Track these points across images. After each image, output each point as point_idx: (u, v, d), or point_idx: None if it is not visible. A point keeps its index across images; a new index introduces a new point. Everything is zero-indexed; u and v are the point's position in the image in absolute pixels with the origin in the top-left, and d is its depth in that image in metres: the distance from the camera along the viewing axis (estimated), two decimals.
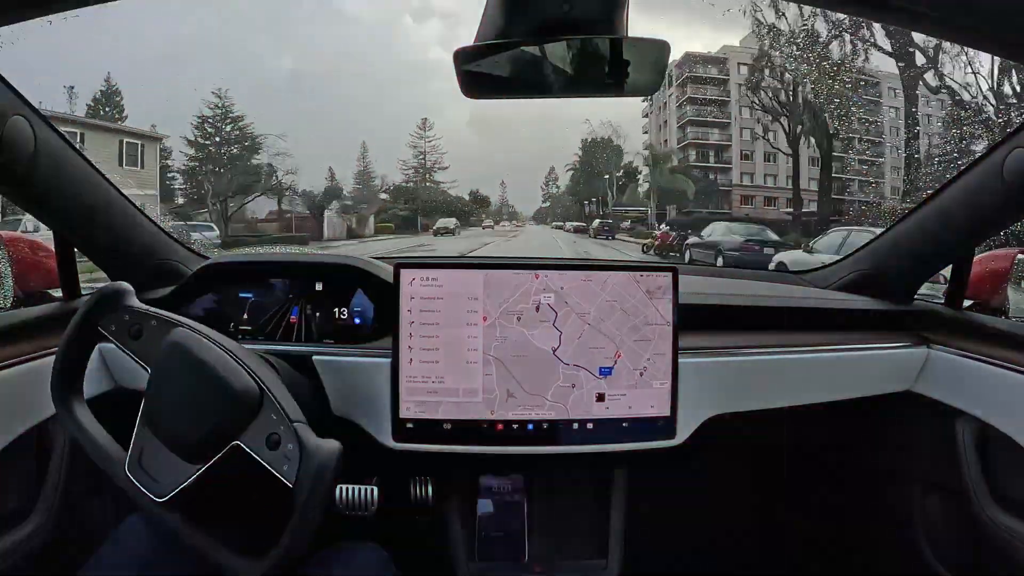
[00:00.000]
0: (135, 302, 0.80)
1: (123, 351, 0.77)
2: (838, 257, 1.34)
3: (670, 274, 0.96)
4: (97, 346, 0.80)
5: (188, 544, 0.75)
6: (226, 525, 0.78)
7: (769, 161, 17.48)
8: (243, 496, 0.87)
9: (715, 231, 11.26)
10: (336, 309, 1.05)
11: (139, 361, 0.76)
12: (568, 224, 20.50)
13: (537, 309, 0.94)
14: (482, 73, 0.77)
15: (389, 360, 0.94)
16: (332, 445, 0.74)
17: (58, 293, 1.07)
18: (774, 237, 10.83)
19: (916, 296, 1.14)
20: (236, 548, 0.74)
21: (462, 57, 0.74)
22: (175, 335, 0.76)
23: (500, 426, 0.93)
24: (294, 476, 0.72)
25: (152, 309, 0.82)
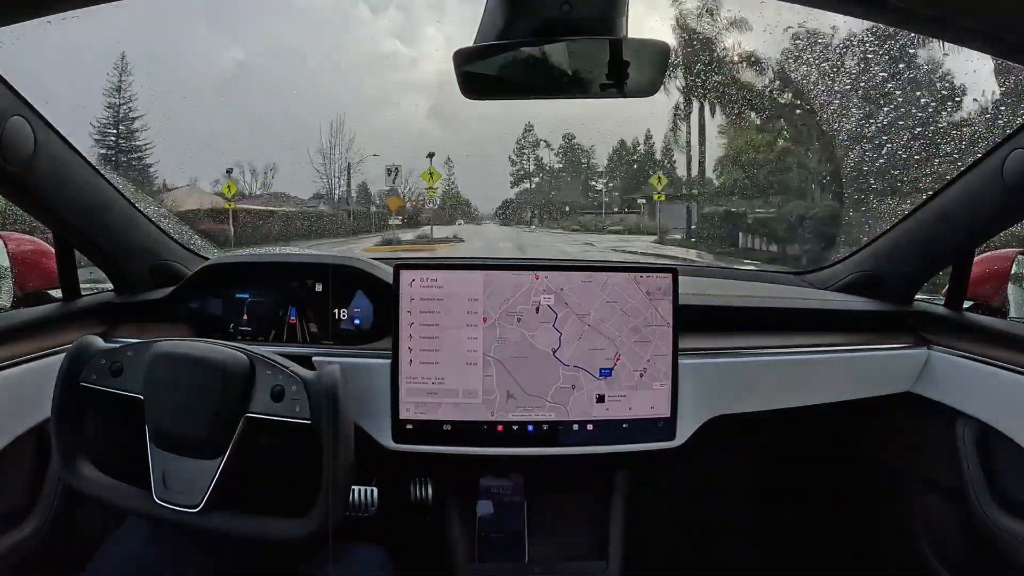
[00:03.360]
0: (104, 344, 0.81)
1: (112, 392, 0.78)
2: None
3: (670, 275, 0.96)
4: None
5: (234, 536, 0.77)
6: (265, 500, 0.80)
7: None
8: (272, 468, 0.88)
9: None
10: (336, 310, 1.05)
11: (130, 394, 0.78)
12: None
13: (537, 310, 0.94)
14: (482, 74, 0.77)
15: (389, 361, 0.94)
16: (332, 367, 0.78)
17: (58, 293, 1.07)
18: None
19: (916, 297, 1.14)
20: (283, 515, 0.76)
21: (461, 58, 0.74)
22: (153, 350, 0.79)
23: (500, 427, 0.93)
24: (308, 411, 0.75)
25: (121, 341, 0.84)
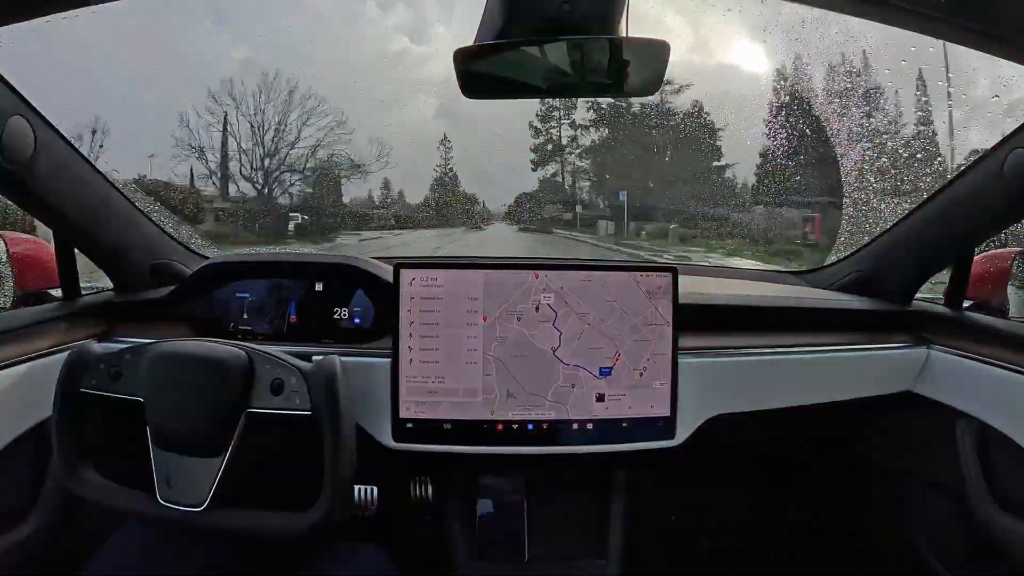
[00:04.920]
0: (102, 349, 0.81)
1: (112, 396, 0.78)
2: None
3: (670, 274, 0.96)
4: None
5: (239, 533, 0.77)
6: (269, 495, 0.80)
7: None
8: (275, 464, 0.89)
9: None
10: (336, 309, 1.06)
11: (130, 397, 0.78)
12: None
13: (537, 309, 0.94)
14: (482, 73, 0.77)
15: (389, 360, 0.94)
16: (330, 357, 0.78)
17: (58, 293, 1.07)
18: None
19: (916, 296, 1.14)
20: (287, 509, 0.76)
21: (462, 57, 0.74)
22: (152, 351, 0.79)
23: (500, 426, 0.93)
24: (308, 402, 0.76)
25: (120, 342, 0.84)
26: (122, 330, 1.05)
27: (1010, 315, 1.09)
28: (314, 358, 0.80)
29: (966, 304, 1.09)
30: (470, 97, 0.79)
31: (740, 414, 1.02)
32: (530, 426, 0.94)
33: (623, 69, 0.75)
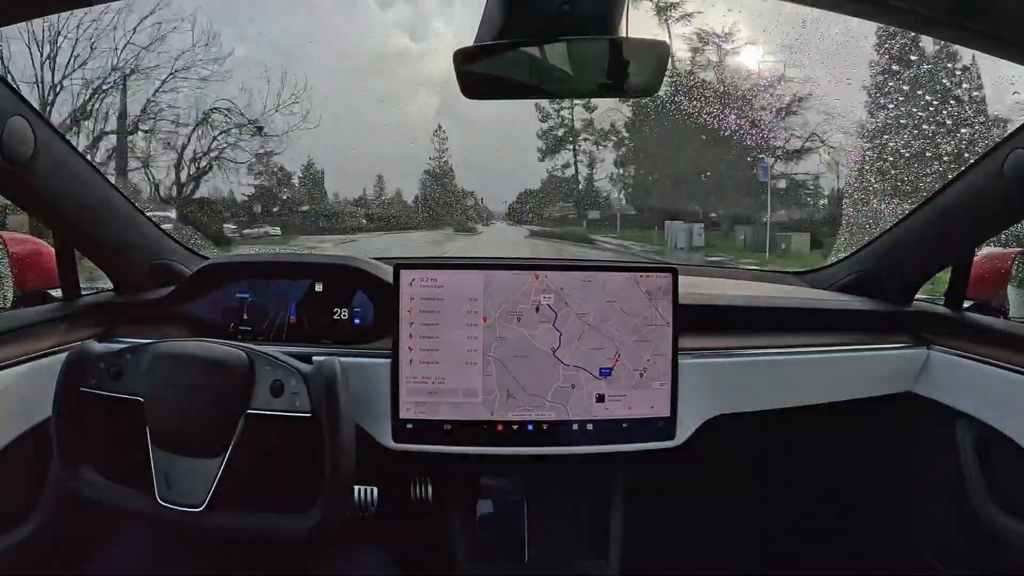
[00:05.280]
0: (102, 348, 0.82)
1: (112, 396, 0.79)
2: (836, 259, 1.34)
3: (670, 275, 0.96)
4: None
5: (238, 534, 0.77)
6: (268, 497, 0.80)
7: None
8: (274, 465, 0.89)
9: None
10: (336, 309, 1.06)
11: (130, 396, 0.78)
12: None
13: (537, 310, 0.94)
14: (482, 74, 0.77)
15: (389, 360, 0.94)
16: (330, 359, 0.78)
17: (58, 293, 1.07)
18: None
19: (916, 296, 1.14)
20: (286, 511, 0.77)
21: (462, 58, 0.74)
22: (152, 351, 0.79)
23: (500, 427, 0.93)
24: (308, 404, 0.76)
25: (120, 342, 0.84)
26: (122, 330, 1.05)
27: (1010, 315, 1.09)
28: (314, 359, 0.80)
29: (966, 304, 1.09)
30: (470, 97, 0.78)
31: (740, 414, 1.02)
32: (530, 427, 0.94)
33: (623, 69, 0.75)
